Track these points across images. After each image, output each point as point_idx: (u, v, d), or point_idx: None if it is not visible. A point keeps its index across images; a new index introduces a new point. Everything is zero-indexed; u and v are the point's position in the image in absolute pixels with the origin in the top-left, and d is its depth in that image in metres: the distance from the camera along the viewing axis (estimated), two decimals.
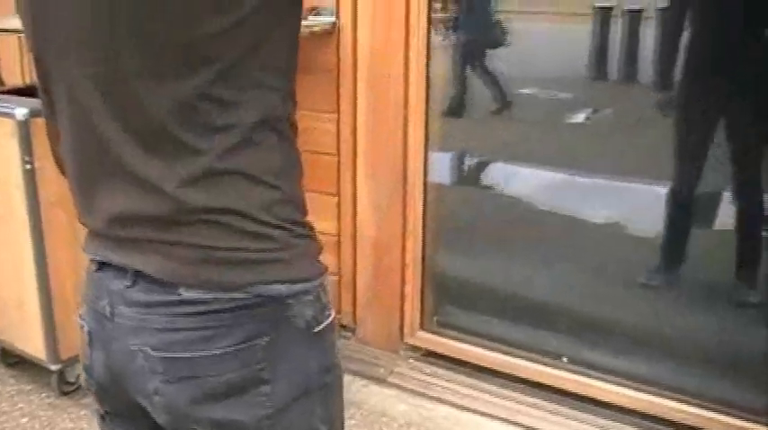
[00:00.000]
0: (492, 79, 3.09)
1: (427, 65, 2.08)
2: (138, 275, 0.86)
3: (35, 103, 1.79)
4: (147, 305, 0.86)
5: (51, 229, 2.01)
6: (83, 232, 0.95)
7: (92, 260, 0.93)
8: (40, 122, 1.54)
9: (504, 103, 3.20)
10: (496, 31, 3.12)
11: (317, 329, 0.88)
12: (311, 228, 0.90)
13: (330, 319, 0.91)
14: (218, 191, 0.82)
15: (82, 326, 0.95)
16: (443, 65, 2.33)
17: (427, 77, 2.08)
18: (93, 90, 0.82)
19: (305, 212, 0.90)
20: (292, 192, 0.88)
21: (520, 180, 4.52)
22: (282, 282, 0.86)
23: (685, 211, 3.14)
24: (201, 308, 0.84)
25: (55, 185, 1.97)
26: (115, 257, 0.88)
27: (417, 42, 2.03)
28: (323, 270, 0.92)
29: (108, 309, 0.89)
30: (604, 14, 8.03)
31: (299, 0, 0.85)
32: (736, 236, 2.95)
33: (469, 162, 4.63)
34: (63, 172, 0.96)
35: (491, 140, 5.10)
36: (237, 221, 0.83)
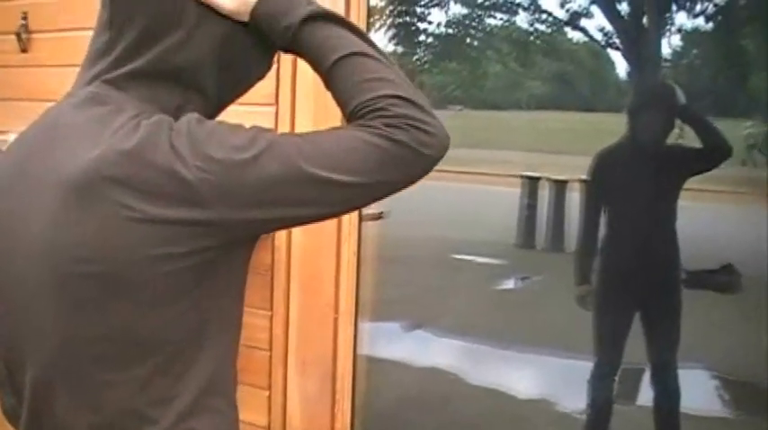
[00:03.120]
0: None
1: (357, 268, 2.19)
2: None
3: None
4: None
5: None
6: None
7: None
8: None
9: None
10: None
11: None
12: None
13: None
14: None
15: None
16: (375, 265, 2.45)
17: (357, 279, 2.19)
18: (54, 375, 0.90)
19: None
20: None
21: (449, 352, 4.61)
22: None
23: (607, 395, 3.25)
24: None
25: None
26: None
27: (348, 248, 2.15)
28: None
29: None
30: (532, 183, 8.35)
31: (238, 282, 0.96)
32: (654, 422, 3.07)
33: (402, 335, 4.72)
34: (14, 426, 1.02)
35: (423, 311, 5.21)
36: None
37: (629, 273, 3.09)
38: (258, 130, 0.87)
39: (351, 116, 0.89)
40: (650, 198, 3.01)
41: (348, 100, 0.89)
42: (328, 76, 0.91)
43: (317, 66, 0.91)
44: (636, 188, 3.01)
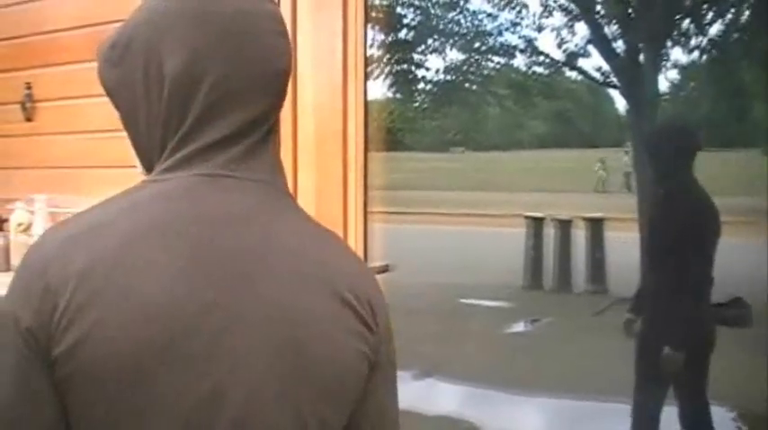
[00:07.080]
0: None
1: None
2: None
3: None
4: None
5: None
6: None
7: None
8: None
9: None
10: None
11: None
12: None
13: None
14: None
15: None
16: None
17: None
18: None
19: None
20: None
21: (462, 399, 4.57)
22: None
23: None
24: None
25: None
26: None
27: None
28: None
29: None
30: (536, 224, 8.32)
31: None
32: None
33: (413, 384, 4.68)
34: None
35: (434, 358, 5.18)
36: None
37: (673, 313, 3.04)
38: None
39: None
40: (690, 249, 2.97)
41: None
42: None
43: None
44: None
